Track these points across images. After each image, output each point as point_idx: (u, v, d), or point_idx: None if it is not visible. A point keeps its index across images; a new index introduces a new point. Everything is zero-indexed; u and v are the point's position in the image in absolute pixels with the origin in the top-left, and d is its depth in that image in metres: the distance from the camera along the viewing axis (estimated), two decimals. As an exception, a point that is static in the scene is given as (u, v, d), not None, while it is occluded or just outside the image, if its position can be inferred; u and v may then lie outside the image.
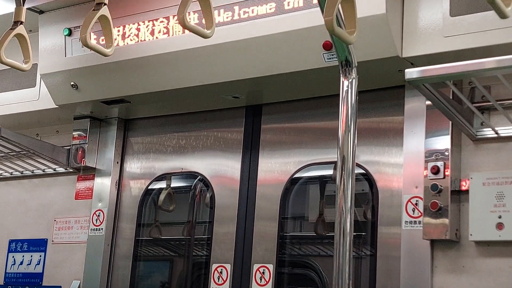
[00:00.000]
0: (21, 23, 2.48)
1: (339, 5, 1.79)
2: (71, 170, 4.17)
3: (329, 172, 3.45)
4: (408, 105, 3.11)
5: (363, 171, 3.27)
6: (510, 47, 2.59)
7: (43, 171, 4.31)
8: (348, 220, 2.08)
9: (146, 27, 3.45)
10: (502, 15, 1.70)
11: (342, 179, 2.11)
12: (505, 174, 2.79)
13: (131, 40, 3.50)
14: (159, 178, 4.00)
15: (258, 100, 3.65)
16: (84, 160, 4.08)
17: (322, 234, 3.45)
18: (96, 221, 4.03)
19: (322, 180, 3.53)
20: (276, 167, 3.58)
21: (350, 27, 1.86)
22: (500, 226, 2.74)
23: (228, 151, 3.76)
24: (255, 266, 3.48)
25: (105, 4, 2.25)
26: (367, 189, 3.28)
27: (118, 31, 3.49)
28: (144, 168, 4.07)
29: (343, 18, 1.89)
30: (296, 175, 3.52)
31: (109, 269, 3.99)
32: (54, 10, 3.77)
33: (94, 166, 4.11)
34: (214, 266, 3.61)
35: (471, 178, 2.86)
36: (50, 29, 3.79)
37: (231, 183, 3.70)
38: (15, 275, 4.32)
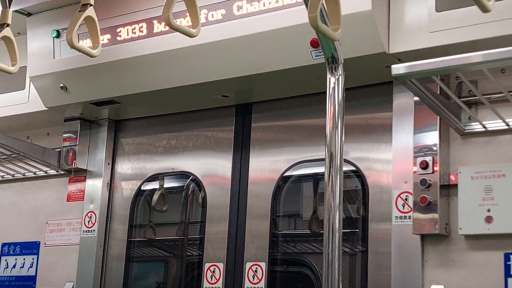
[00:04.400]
0: (8, 25, 2.46)
1: (323, 2, 1.79)
2: (62, 172, 4.16)
3: (322, 169, 3.45)
4: (396, 101, 3.12)
5: (353, 168, 3.27)
6: (496, 41, 2.60)
7: (34, 174, 4.31)
8: (337, 216, 2.08)
9: (133, 27, 3.45)
10: (484, 9, 1.71)
11: (330, 176, 2.11)
12: (493, 167, 2.80)
13: (119, 41, 3.50)
14: (151, 179, 4.00)
15: (247, 98, 3.65)
16: (75, 162, 4.07)
17: (316, 231, 3.46)
18: (88, 222, 4.02)
19: (315, 178, 3.54)
20: (267, 165, 3.58)
21: (334, 24, 1.86)
22: (489, 219, 2.75)
23: (219, 150, 3.77)
24: (248, 265, 3.48)
25: (91, 5, 2.25)
26: (358, 185, 3.29)
27: (104, 32, 3.48)
28: (135, 169, 4.07)
29: (328, 15, 1.90)
30: (287, 173, 3.52)
31: (102, 270, 3.99)
32: (42, 12, 3.76)
33: (85, 168, 4.10)
34: (207, 265, 3.61)
35: (460, 172, 2.87)
36: (38, 31, 3.78)
37: (222, 182, 3.70)
38: (8, 279, 4.31)
